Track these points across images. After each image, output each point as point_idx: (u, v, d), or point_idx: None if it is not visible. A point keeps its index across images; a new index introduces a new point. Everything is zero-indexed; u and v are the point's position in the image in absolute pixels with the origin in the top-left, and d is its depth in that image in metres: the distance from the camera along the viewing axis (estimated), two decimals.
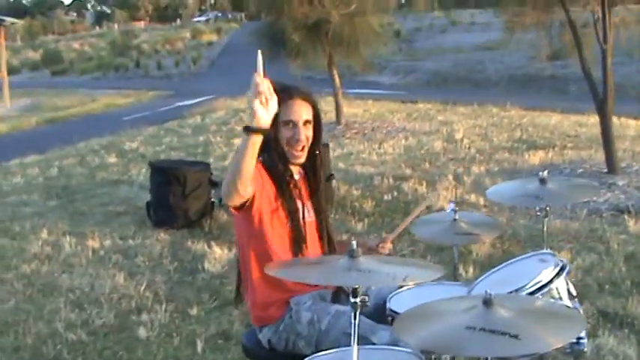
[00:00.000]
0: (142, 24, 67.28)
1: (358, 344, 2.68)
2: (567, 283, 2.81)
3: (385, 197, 7.89)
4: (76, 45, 46.36)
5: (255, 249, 3.02)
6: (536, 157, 9.24)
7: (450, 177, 8.47)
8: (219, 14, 70.33)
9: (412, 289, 3.13)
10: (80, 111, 20.56)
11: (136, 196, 8.68)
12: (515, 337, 2.10)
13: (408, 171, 9.06)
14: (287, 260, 2.91)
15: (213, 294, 5.45)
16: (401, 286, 3.11)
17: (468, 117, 13.31)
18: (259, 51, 2.39)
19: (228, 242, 6.53)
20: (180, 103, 20.09)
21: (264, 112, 2.47)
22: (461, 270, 5.39)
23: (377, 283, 2.30)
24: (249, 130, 2.49)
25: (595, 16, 7.97)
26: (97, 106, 21.32)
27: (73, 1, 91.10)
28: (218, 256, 6.22)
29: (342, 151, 10.81)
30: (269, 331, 3.05)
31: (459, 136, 11.15)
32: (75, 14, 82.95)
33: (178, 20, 67.96)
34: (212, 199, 7.45)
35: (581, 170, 8.45)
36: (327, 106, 13.88)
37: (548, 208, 3.19)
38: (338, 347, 2.68)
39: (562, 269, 2.79)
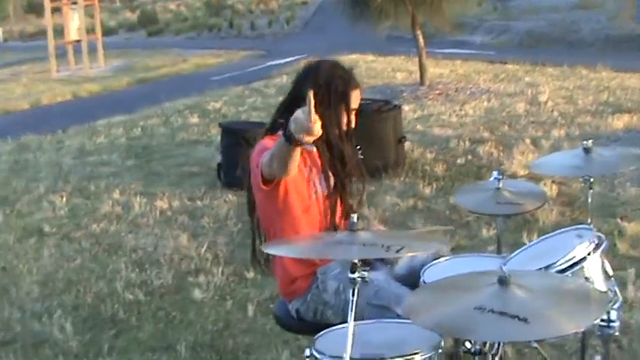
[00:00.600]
0: None
1: (380, 315, 2.64)
2: (603, 262, 2.65)
3: (458, 161, 7.71)
4: (172, 6, 46.92)
5: (282, 224, 2.97)
6: (620, 122, 8.83)
7: (528, 141, 8.19)
8: None
9: (449, 260, 3.03)
10: (170, 71, 20.80)
11: (212, 156, 8.71)
12: (525, 320, 1.98)
13: (486, 134, 8.81)
14: (284, 237, 2.88)
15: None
16: (437, 258, 3.02)
17: (556, 79, 12.83)
18: (310, 91, 2.38)
19: None
20: (271, 63, 20.05)
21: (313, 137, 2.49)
22: (525, 238, 5.23)
23: (370, 256, 2.21)
24: (296, 143, 2.52)
25: None
26: (188, 67, 21.52)
27: None
28: None
29: (423, 112, 10.61)
30: (297, 302, 3.02)
31: (543, 98, 10.77)
32: None
33: None
34: None
35: None
36: (413, 66, 13.66)
37: (592, 180, 3.02)
38: (362, 318, 2.62)
39: (597, 246, 2.63)
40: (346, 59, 17.70)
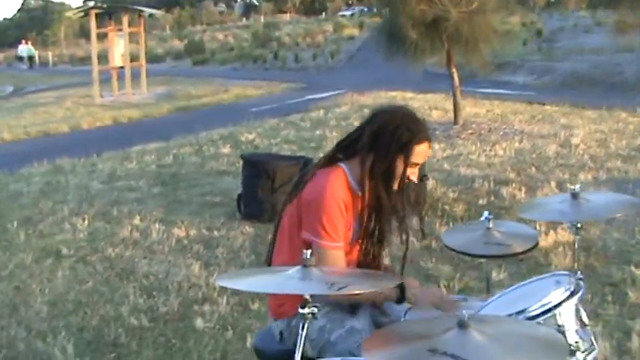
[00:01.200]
0: (287, 16, 68.33)
1: None
2: (578, 309, 2.60)
3: (480, 201, 7.65)
4: (220, 36, 47.67)
5: (299, 241, 2.91)
6: None
7: (553, 184, 8.11)
8: (365, 9, 70.33)
9: None
10: (211, 100, 21.05)
11: (236, 187, 8.76)
12: None
13: (512, 175, 8.75)
14: (242, 270, 2.89)
15: None
16: None
17: (592, 121, 12.71)
18: None
19: None
20: (311, 97, 20.18)
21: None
22: None
23: (315, 292, 2.19)
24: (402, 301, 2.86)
25: None
26: (228, 97, 21.75)
27: None
28: None
29: (452, 151, 10.58)
30: (282, 323, 3.04)
31: (575, 141, 10.67)
32: (224, 5, 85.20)
33: (324, 13, 68.54)
34: None
35: None
36: (450, 104, 13.62)
37: (579, 225, 2.97)
38: None
39: (573, 293, 2.59)
40: (385, 96, 17.79)
